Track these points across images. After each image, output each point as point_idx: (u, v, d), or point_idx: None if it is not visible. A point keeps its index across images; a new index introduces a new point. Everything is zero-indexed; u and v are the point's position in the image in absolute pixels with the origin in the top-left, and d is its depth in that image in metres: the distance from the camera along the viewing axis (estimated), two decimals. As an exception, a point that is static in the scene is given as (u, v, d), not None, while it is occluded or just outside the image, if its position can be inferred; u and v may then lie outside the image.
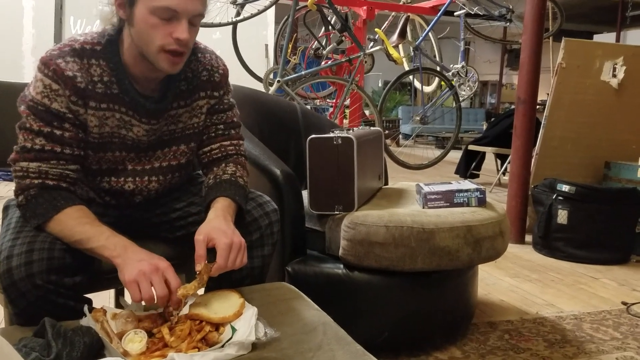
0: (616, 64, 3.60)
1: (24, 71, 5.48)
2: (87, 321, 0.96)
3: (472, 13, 4.25)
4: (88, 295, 1.19)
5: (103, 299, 1.41)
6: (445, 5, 4.27)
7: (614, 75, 3.62)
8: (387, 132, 9.13)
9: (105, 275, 1.21)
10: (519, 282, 2.70)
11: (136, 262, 1.02)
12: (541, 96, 3.99)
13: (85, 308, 0.99)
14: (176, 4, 1.08)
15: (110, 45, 1.17)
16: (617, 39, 9.60)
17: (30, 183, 1.13)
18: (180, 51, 1.12)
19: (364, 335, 1.70)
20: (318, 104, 4.78)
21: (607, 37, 10.14)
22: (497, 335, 2.01)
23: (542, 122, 3.58)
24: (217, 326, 1.00)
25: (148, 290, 1.00)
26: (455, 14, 4.24)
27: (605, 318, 2.24)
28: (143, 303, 1.05)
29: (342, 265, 1.77)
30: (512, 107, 4.37)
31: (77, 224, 1.09)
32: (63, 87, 1.12)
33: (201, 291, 1.12)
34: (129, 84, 1.19)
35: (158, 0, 1.07)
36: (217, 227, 1.13)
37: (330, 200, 1.79)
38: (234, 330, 0.98)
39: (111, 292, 1.60)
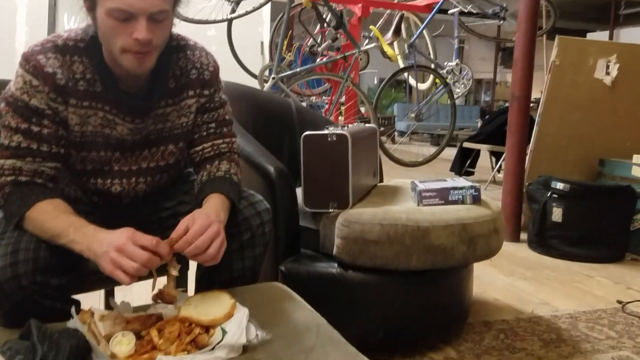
0: (609, 62, 3.60)
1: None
2: (74, 323, 0.94)
3: (466, 11, 4.24)
4: (77, 296, 1.18)
5: (93, 299, 1.39)
6: (439, 4, 4.25)
7: (608, 73, 3.61)
8: (382, 129, 9.13)
9: (93, 275, 1.19)
10: (514, 280, 2.69)
11: (105, 252, 0.98)
12: (535, 94, 3.98)
13: (72, 309, 0.97)
14: (129, 5, 1.03)
15: (94, 43, 1.14)
16: (611, 37, 9.63)
17: (4, 181, 1.11)
18: (143, 51, 1.08)
19: (359, 335, 1.68)
20: (314, 100, 4.76)
21: (600, 36, 10.15)
22: (492, 335, 2.00)
23: (536, 119, 3.58)
24: (207, 328, 0.98)
25: (130, 267, 0.96)
26: (449, 12, 4.23)
27: (600, 317, 2.24)
28: (132, 305, 1.03)
29: (336, 264, 1.75)
30: (507, 104, 4.36)
31: (48, 219, 1.06)
32: (43, 84, 1.10)
33: (191, 292, 1.10)
34: (112, 82, 1.16)
35: (111, 2, 1.03)
36: (202, 211, 1.12)
37: (324, 198, 1.77)
38: (224, 332, 0.96)
39: (101, 293, 1.58)
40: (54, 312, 1.03)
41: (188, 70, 1.26)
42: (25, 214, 1.08)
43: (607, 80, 3.61)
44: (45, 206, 1.09)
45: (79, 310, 0.99)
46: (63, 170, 1.20)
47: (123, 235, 0.99)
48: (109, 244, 0.98)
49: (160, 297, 1.05)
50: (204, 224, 1.06)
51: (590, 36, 9.95)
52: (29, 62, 1.10)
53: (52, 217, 1.07)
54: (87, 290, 1.29)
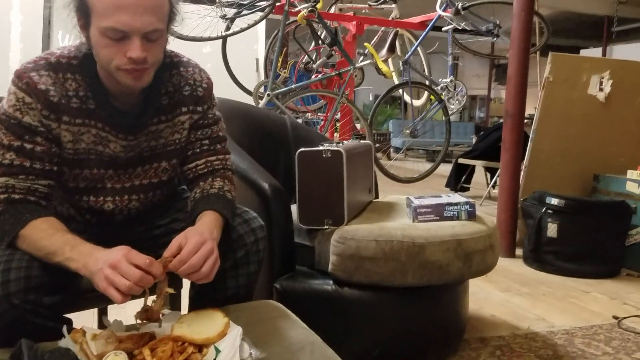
0: (603, 78, 3.63)
1: (12, 86, 5.42)
2: (65, 342, 0.93)
3: (460, 28, 4.27)
4: (70, 315, 1.16)
5: (87, 318, 1.37)
6: (433, 21, 4.29)
7: (601, 89, 3.64)
8: (378, 145, 9.15)
9: (86, 293, 1.18)
10: (510, 296, 2.68)
11: (99, 269, 0.97)
12: (529, 110, 4.01)
13: (64, 329, 0.96)
14: (122, 24, 1.03)
15: (87, 60, 1.14)
16: (604, 54, 9.71)
17: None
18: (139, 68, 1.08)
19: (355, 353, 1.68)
20: (309, 117, 4.77)
21: (593, 52, 10.24)
22: (488, 352, 1.98)
23: (530, 136, 3.59)
24: (200, 347, 0.96)
25: (123, 285, 0.95)
26: (443, 29, 4.26)
27: (596, 332, 2.23)
28: (125, 324, 1.02)
29: (331, 281, 1.74)
30: (501, 120, 4.38)
31: (43, 237, 1.05)
32: (35, 101, 1.10)
33: (184, 311, 1.09)
34: (105, 99, 1.16)
35: (105, 21, 1.04)
36: (195, 229, 1.11)
37: (319, 214, 1.77)
38: (217, 351, 0.95)
39: (94, 311, 1.56)
40: (46, 332, 1.02)
41: (181, 86, 1.26)
42: (19, 232, 1.07)
43: (601, 96, 3.64)
44: (39, 224, 1.08)
45: (70, 329, 0.98)
46: (56, 188, 1.19)
47: (118, 253, 0.98)
48: (104, 262, 0.98)
49: (146, 315, 1.04)
50: (198, 242, 1.05)
51: (584, 53, 10.03)
52: (22, 79, 1.10)
53: (47, 235, 1.06)
54: (80, 309, 1.28)
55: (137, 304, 1.05)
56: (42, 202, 1.14)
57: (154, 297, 1.06)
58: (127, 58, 1.06)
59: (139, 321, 1.04)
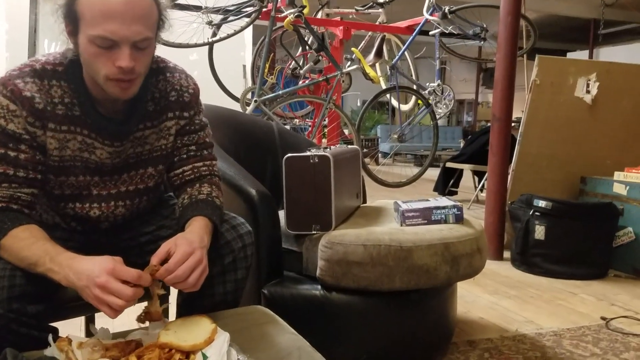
0: (589, 80, 3.66)
1: (-3, 94, 5.37)
2: (51, 351, 0.93)
3: (447, 32, 4.30)
4: (57, 324, 1.16)
5: (74, 326, 1.37)
6: (420, 25, 4.31)
7: (588, 92, 3.67)
8: (366, 150, 9.17)
9: (72, 302, 1.17)
10: (498, 299, 2.70)
11: (86, 286, 0.96)
12: (516, 114, 4.04)
13: (50, 337, 0.95)
14: (112, 33, 1.03)
15: (73, 66, 1.14)
16: (590, 57, 9.81)
17: None
18: (127, 79, 1.08)
19: (343, 358, 1.68)
20: (297, 123, 4.78)
21: (580, 55, 10.35)
22: (477, 354, 1.99)
23: (518, 139, 3.62)
24: (187, 354, 0.96)
25: (116, 305, 0.94)
26: (430, 33, 4.29)
27: (584, 334, 2.24)
28: (112, 331, 1.01)
29: (319, 287, 1.75)
30: (488, 124, 4.42)
31: (24, 247, 1.04)
32: (20, 108, 1.09)
33: (172, 317, 1.09)
34: (91, 106, 1.15)
35: (94, 29, 1.03)
36: (185, 236, 1.10)
37: (307, 220, 1.77)
38: (205, 357, 0.95)
39: (82, 319, 1.55)
40: (31, 340, 1.01)
41: (167, 92, 1.26)
42: (0, 242, 1.06)
43: (588, 98, 3.67)
44: (20, 233, 1.07)
45: (56, 337, 0.97)
46: (40, 195, 1.18)
47: (103, 271, 0.96)
48: (88, 278, 0.96)
49: (148, 317, 1.04)
50: (186, 252, 1.04)
51: (570, 56, 10.13)
52: (7, 86, 1.09)
53: (28, 245, 1.05)
54: (66, 317, 1.27)
55: (124, 311, 1.04)
56: (25, 211, 1.13)
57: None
58: (116, 67, 1.05)
59: (142, 325, 1.03)
